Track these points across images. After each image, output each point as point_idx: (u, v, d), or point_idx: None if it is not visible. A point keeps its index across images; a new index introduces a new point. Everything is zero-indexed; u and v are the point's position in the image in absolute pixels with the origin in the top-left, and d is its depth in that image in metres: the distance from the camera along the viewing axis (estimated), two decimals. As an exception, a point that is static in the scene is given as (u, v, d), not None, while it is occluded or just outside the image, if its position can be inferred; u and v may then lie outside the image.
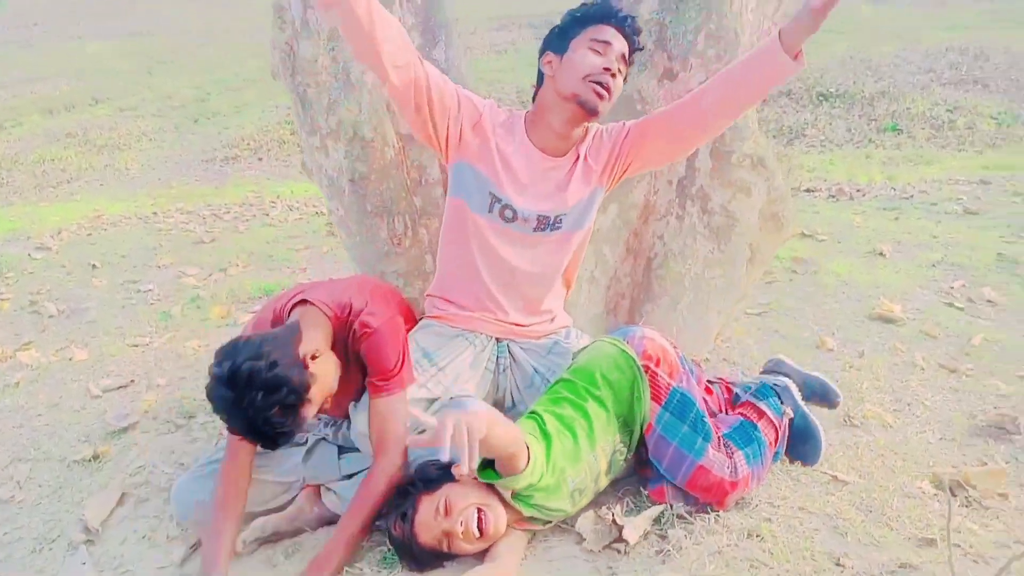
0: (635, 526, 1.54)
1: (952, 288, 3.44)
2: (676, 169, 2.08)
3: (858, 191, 6.18)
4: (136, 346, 3.12)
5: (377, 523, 1.62)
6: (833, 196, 6.10)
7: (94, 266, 4.69)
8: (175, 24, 22.58)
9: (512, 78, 12.40)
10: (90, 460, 2.12)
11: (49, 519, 1.86)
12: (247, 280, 4.07)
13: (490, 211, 1.76)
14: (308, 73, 1.95)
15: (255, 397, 1.40)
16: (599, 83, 1.64)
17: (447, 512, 1.49)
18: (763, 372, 2.14)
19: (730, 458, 1.63)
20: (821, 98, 10.76)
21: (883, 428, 2.09)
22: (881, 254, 4.04)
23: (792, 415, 1.85)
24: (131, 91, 13.97)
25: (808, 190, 6.46)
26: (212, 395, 1.45)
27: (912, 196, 5.73)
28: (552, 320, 1.93)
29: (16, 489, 2.00)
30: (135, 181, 9.52)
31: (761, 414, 1.78)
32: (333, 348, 1.65)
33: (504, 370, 1.87)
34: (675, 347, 1.73)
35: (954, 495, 1.73)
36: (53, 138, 11.09)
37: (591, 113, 1.67)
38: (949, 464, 1.90)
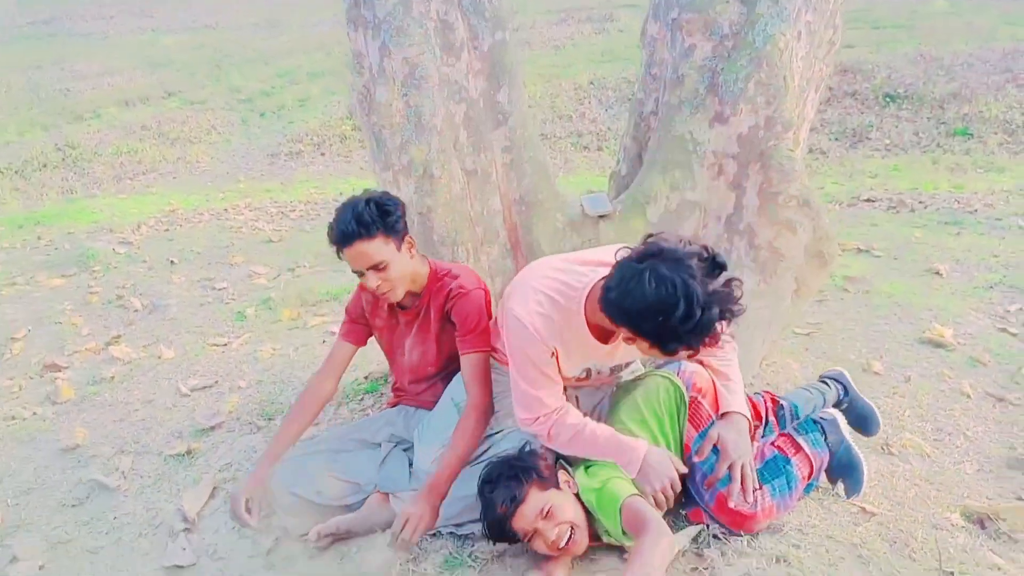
0: (676, 543, 1.68)
1: (1008, 312, 3.43)
2: (725, 205, 2.19)
3: (920, 203, 6.08)
4: (216, 346, 3.39)
5: (448, 529, 1.83)
6: (894, 207, 6.03)
7: (172, 262, 5.03)
8: (241, 16, 23.32)
9: (569, 73, 12.44)
10: (184, 455, 2.37)
11: (151, 507, 2.11)
12: (315, 282, 4.31)
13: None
14: (383, 115, 2.13)
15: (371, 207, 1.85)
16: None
17: (548, 517, 1.67)
18: (821, 379, 2.25)
19: (756, 490, 1.73)
20: (888, 99, 10.47)
21: (921, 457, 2.17)
22: (938, 273, 4.03)
23: (837, 448, 1.92)
24: (200, 84, 14.53)
25: (868, 200, 6.40)
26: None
27: (977, 210, 5.63)
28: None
29: (122, 479, 2.26)
30: (206, 174, 9.99)
31: (798, 449, 1.86)
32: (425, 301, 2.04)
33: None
34: None
35: (983, 528, 1.81)
36: (129, 130, 11.65)
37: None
38: (983, 496, 1.98)
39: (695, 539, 1.76)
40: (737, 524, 1.74)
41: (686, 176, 2.16)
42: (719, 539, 1.75)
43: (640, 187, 2.23)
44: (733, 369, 1.86)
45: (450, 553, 1.81)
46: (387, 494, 1.98)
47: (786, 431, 1.96)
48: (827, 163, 8.77)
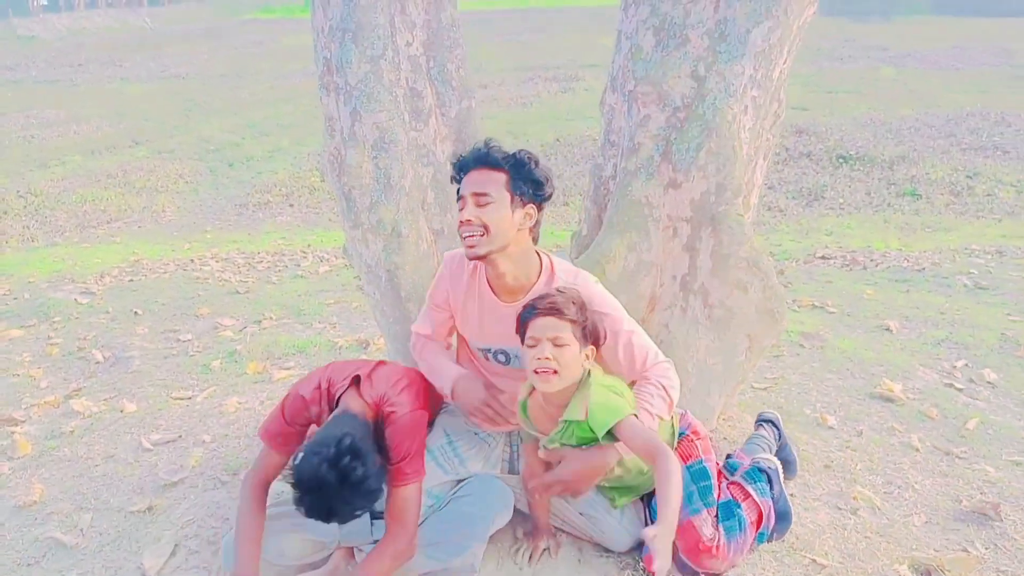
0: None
1: (955, 368, 3.58)
2: (680, 266, 2.30)
3: (872, 260, 6.34)
4: (180, 399, 3.36)
5: None
6: (847, 265, 6.27)
7: (136, 313, 4.99)
8: (211, 67, 23.55)
9: (535, 131, 12.79)
10: (145, 511, 2.34)
11: (111, 565, 2.07)
12: (280, 335, 4.32)
13: (483, 357, 2.02)
14: (353, 176, 2.22)
15: (347, 494, 1.57)
16: (465, 236, 1.79)
17: (557, 344, 1.71)
18: (758, 421, 2.42)
19: (716, 528, 1.87)
20: (841, 160, 10.93)
21: (871, 510, 2.25)
22: (888, 329, 4.20)
23: (778, 497, 2.04)
24: (168, 133, 14.58)
25: (823, 257, 6.64)
26: (305, 485, 1.58)
27: (924, 268, 5.88)
28: None
29: (81, 536, 2.22)
30: (171, 224, 9.94)
31: (747, 495, 1.99)
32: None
33: (518, 459, 2.07)
34: None
35: (930, 580, 1.88)
36: (94, 179, 11.58)
37: (474, 258, 1.81)
38: (931, 548, 2.06)
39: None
40: (692, 554, 1.84)
41: (642, 238, 2.27)
42: (678, 592, 1.79)
43: (599, 248, 2.32)
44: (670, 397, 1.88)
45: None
46: (351, 548, 1.98)
47: (735, 479, 2.07)
48: (784, 221, 9.09)
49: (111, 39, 31.54)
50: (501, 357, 2.00)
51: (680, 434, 2.00)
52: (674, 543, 1.80)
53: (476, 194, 1.78)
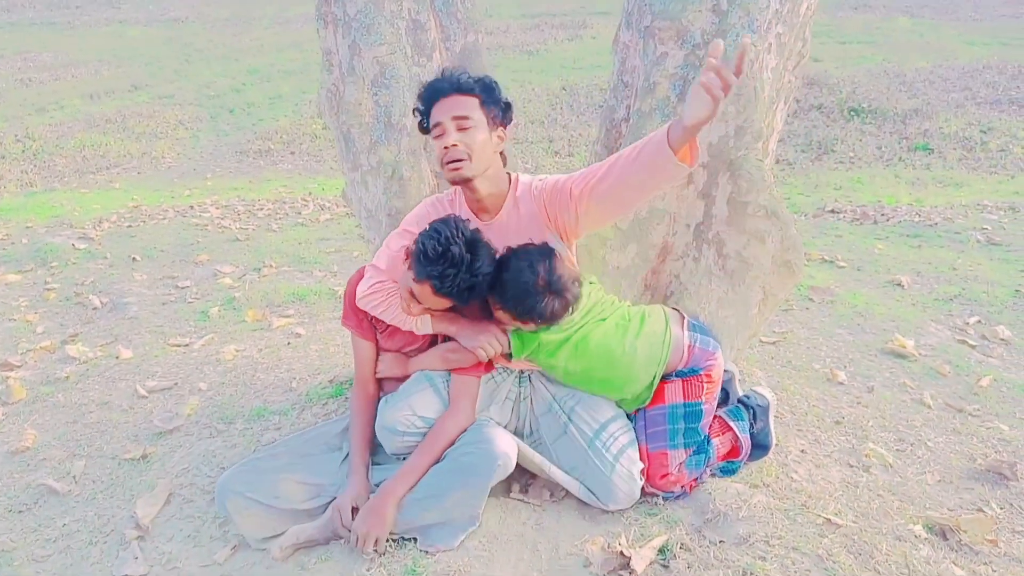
0: (642, 556, 1.68)
1: (967, 324, 3.51)
2: (694, 214, 2.19)
3: (883, 215, 6.20)
4: (177, 346, 3.31)
5: None
6: (857, 219, 6.14)
7: (134, 259, 4.91)
8: (212, 11, 22.97)
9: (542, 79, 12.48)
10: (139, 459, 2.30)
11: (103, 514, 2.03)
12: (280, 283, 4.24)
13: None
14: (352, 114, 2.10)
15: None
16: (449, 162, 1.74)
17: None
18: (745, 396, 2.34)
19: (681, 463, 1.96)
20: (852, 113, 10.68)
21: (884, 468, 2.19)
22: (900, 285, 4.11)
23: (760, 433, 2.12)
24: (169, 79, 14.28)
25: (832, 211, 6.50)
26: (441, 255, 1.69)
27: (937, 223, 5.76)
28: None
29: (73, 484, 2.18)
30: (171, 170, 9.79)
31: (726, 429, 2.06)
32: None
33: (524, 399, 2.01)
34: None
35: (945, 539, 1.83)
36: (93, 124, 11.38)
37: (463, 182, 1.78)
38: (944, 508, 2.00)
39: (660, 551, 1.75)
40: (650, 472, 1.93)
41: (657, 184, 2.15)
42: (685, 549, 1.74)
43: (611, 194, 2.21)
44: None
45: (410, 566, 1.77)
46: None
47: (718, 413, 2.10)
48: (793, 174, 8.91)
49: (108, -20, 30.76)
50: None
51: (694, 371, 1.96)
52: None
53: (457, 117, 1.75)
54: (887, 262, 4.62)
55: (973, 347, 3.24)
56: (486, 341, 1.88)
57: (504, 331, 1.89)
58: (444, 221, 1.73)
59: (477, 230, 1.77)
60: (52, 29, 20.58)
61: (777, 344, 3.23)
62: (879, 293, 3.99)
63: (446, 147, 1.74)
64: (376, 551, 1.78)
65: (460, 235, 1.70)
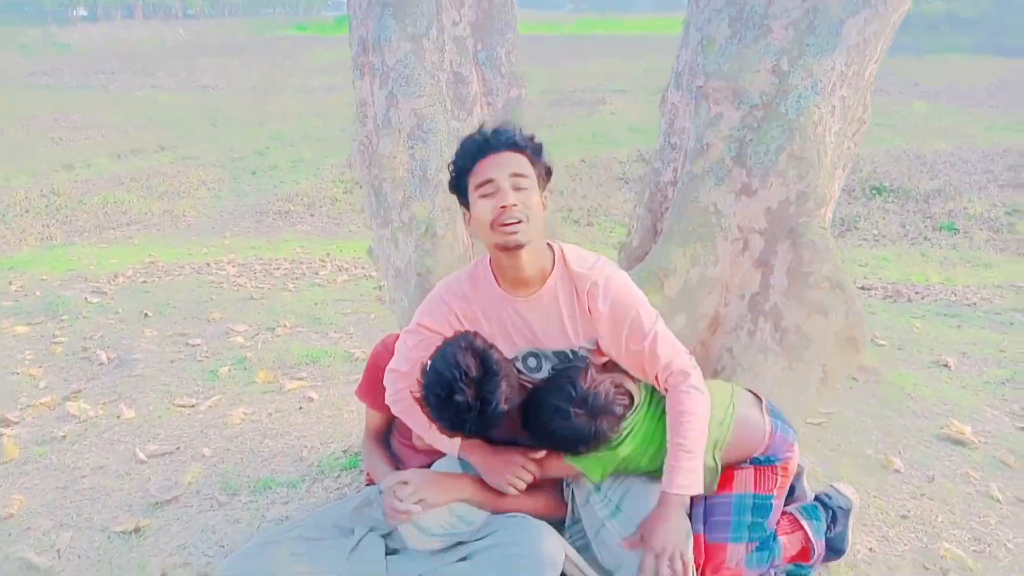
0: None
1: (1024, 411, 3.28)
2: (750, 284, 2.03)
3: (916, 293, 6.02)
4: (183, 407, 3.12)
5: None
6: (890, 297, 5.96)
7: (146, 315, 4.78)
8: (241, 79, 23.72)
9: (561, 152, 12.57)
10: (131, 533, 2.08)
11: (86, 597, 1.82)
12: (294, 344, 4.08)
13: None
14: (385, 168, 1.98)
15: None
16: (506, 224, 1.54)
17: None
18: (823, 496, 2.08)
19: (740, 559, 1.74)
20: (875, 192, 10.64)
21: (963, 572, 1.95)
22: (946, 366, 3.89)
23: (837, 538, 1.90)
24: (195, 141, 14.58)
25: (864, 288, 6.33)
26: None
27: (975, 304, 5.56)
28: None
29: (56, 558, 1.97)
30: (191, 228, 9.81)
31: (796, 528, 1.84)
32: None
33: (568, 484, 1.80)
34: None
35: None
36: (118, 181, 11.52)
37: (517, 248, 1.57)
38: (1039, 624, 1.75)
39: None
40: (703, 564, 1.72)
41: (708, 250, 2.01)
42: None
43: (656, 259, 2.07)
44: (692, 427, 1.62)
45: None
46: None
47: (788, 509, 1.89)
48: (818, 250, 8.78)
49: (145, 49, 32.06)
50: (532, 361, 1.74)
51: (771, 461, 1.76)
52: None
53: (515, 175, 1.56)
54: (928, 342, 4.40)
55: (1036, 436, 3.00)
56: (512, 475, 1.68)
57: (535, 459, 1.71)
58: (445, 358, 1.55)
59: (489, 352, 1.58)
60: (87, 93, 21.26)
61: (823, 426, 3.00)
62: (925, 374, 3.76)
63: (504, 207, 1.53)
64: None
65: (466, 377, 1.51)
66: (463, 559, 1.66)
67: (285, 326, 4.55)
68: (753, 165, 1.94)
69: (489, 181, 1.56)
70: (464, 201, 1.64)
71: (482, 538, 1.69)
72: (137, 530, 2.10)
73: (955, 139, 13.67)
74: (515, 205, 1.53)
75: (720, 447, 1.72)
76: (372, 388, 1.90)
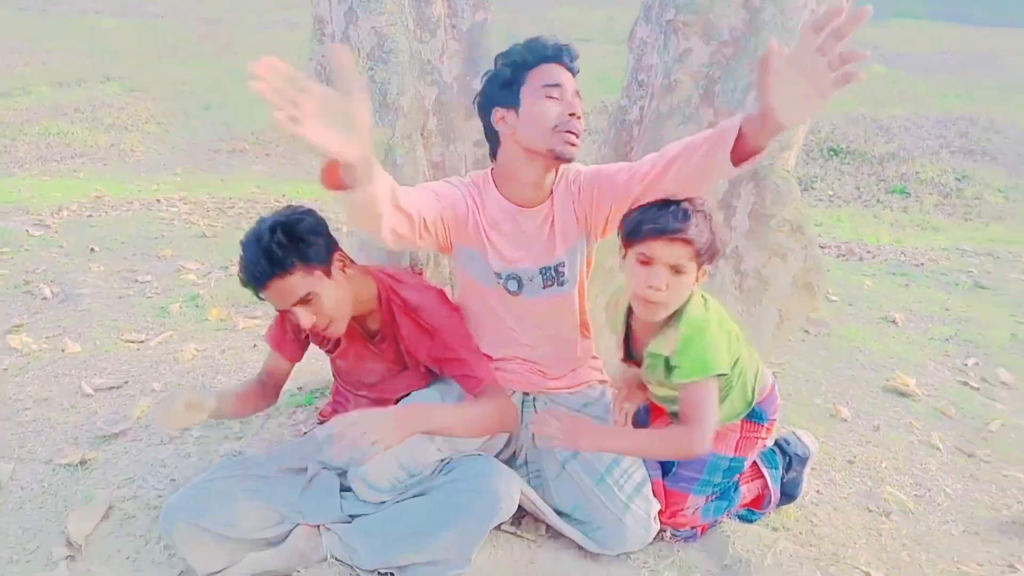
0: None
1: (966, 366, 3.39)
2: (714, 226, 2.02)
3: (868, 252, 6.16)
4: (131, 342, 3.02)
5: None
6: (843, 255, 6.09)
7: (92, 250, 4.59)
8: (189, 10, 22.57)
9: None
10: (77, 465, 2.02)
11: (29, 527, 1.76)
12: (249, 282, 3.97)
13: (497, 285, 1.72)
14: (345, 90, 1.88)
15: (281, 236, 1.59)
16: (571, 131, 1.57)
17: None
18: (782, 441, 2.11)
19: (698, 508, 1.77)
20: (832, 153, 10.78)
21: (905, 515, 2.02)
22: (893, 322, 4.00)
23: (791, 484, 1.93)
24: (143, 72, 13.87)
25: (818, 246, 6.44)
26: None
27: (922, 264, 5.72)
28: (581, 370, 1.88)
29: (-4, 491, 1.90)
30: (140, 164, 9.42)
31: (757, 476, 1.87)
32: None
33: (525, 425, 1.80)
34: None
35: (979, 597, 1.66)
36: (60, 111, 10.94)
37: (567, 161, 1.61)
38: (974, 561, 1.83)
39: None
40: (664, 507, 1.74)
41: (673, 191, 1.98)
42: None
43: (622, 200, 2.03)
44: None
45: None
46: (317, 526, 1.68)
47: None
48: (776, 208, 8.90)
49: (87, -29, 30.15)
50: (513, 284, 1.71)
51: (761, 419, 1.77)
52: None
53: (576, 93, 1.61)
54: (877, 299, 4.52)
55: (976, 389, 3.12)
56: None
57: None
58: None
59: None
60: (23, 15, 19.98)
61: (775, 376, 3.04)
62: (874, 329, 3.87)
63: (574, 114, 1.56)
64: (355, 455, 1.42)
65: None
66: (419, 495, 1.66)
67: (239, 264, 4.42)
68: (721, 103, 1.91)
69: (559, 86, 1.57)
70: (506, 97, 1.60)
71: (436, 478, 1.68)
72: (83, 462, 2.03)
73: (911, 105, 13.87)
74: (580, 117, 1.57)
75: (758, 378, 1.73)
76: (282, 336, 1.91)
